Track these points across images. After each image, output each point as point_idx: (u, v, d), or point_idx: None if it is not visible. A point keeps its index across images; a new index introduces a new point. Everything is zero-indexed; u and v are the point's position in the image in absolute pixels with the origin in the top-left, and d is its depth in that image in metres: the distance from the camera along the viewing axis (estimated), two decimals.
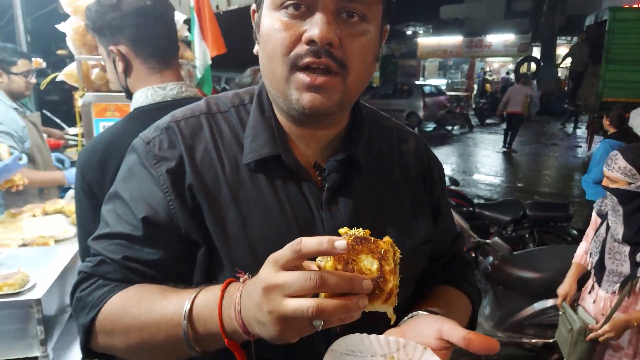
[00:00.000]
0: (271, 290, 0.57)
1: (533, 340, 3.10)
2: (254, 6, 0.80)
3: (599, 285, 2.26)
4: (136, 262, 0.78)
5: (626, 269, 2.12)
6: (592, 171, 4.52)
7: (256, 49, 0.80)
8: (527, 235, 4.40)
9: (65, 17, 1.78)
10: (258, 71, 0.75)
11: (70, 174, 2.94)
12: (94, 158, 1.19)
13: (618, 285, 2.15)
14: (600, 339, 2.13)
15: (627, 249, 2.13)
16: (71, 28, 1.71)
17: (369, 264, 0.58)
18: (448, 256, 1.01)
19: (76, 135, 3.46)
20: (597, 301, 2.28)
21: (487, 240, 3.37)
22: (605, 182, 2.21)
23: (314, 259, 0.60)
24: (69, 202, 2.53)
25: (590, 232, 2.50)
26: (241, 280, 0.67)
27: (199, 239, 0.78)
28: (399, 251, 0.60)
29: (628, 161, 2.09)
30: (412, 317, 0.79)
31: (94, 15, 1.28)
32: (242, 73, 3.33)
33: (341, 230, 0.59)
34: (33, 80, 2.90)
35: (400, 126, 0.99)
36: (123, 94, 1.70)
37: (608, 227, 2.24)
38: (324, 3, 0.70)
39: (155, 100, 1.31)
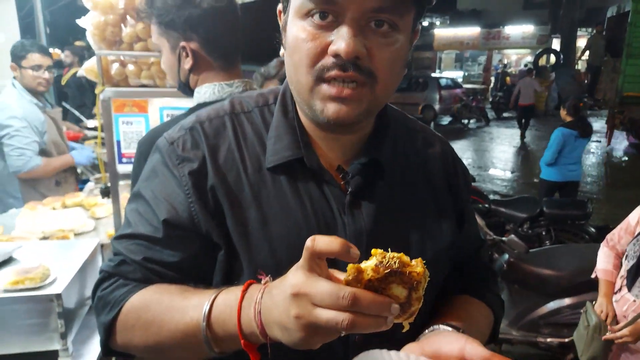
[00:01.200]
0: (301, 297, 0.56)
1: (548, 340, 3.07)
2: (280, 6, 0.79)
3: (629, 289, 2.20)
4: (156, 264, 0.79)
5: None
6: (545, 154, 5.05)
7: (282, 51, 0.79)
8: (543, 233, 4.34)
9: (83, 9, 1.79)
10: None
11: (78, 153, 2.99)
12: None
13: None
14: (617, 341, 2.10)
15: None
16: (91, 23, 1.72)
17: (399, 292, 0.57)
18: (471, 264, 0.99)
19: (94, 128, 3.49)
20: (620, 302, 2.24)
21: (503, 238, 3.33)
22: None
23: (343, 268, 0.59)
24: (87, 195, 2.57)
25: (618, 235, 2.40)
26: (262, 282, 0.66)
27: (219, 241, 0.78)
28: (429, 274, 0.59)
29: None
30: (432, 330, 0.78)
31: (166, 7, 1.25)
32: (258, 65, 3.32)
33: (374, 251, 0.58)
34: (46, 75, 2.86)
35: (426, 129, 0.97)
36: (141, 89, 1.71)
37: None
38: (351, 13, 0.68)
39: (222, 97, 1.30)
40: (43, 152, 2.88)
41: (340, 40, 0.67)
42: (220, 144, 0.81)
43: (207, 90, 1.31)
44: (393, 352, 0.67)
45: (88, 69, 1.76)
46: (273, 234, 0.77)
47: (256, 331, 0.63)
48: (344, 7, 0.67)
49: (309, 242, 0.56)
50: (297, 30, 0.72)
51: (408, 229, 0.84)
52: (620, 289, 2.28)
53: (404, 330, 0.62)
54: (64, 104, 4.74)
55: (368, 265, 0.57)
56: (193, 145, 0.80)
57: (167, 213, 0.78)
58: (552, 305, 3.11)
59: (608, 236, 2.48)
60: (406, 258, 0.58)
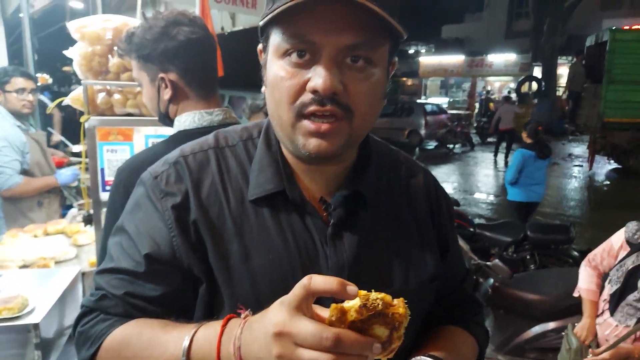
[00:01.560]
0: (284, 336, 0.57)
1: None
2: (260, 46, 0.81)
3: (611, 314, 2.23)
4: (138, 298, 0.79)
5: None
6: (507, 173, 5.33)
7: (264, 89, 0.81)
8: (528, 257, 4.38)
9: (71, 36, 1.81)
10: None
11: (62, 174, 2.97)
12: (135, 177, 1.22)
13: (632, 319, 2.12)
14: None
15: None
16: (78, 54, 1.74)
17: (381, 332, 0.58)
18: (456, 295, 0.99)
19: (79, 153, 3.48)
20: (603, 326, 2.26)
21: (488, 263, 3.36)
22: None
23: (326, 304, 0.60)
24: (70, 222, 2.55)
25: (600, 256, 2.42)
26: (242, 316, 0.67)
27: (200, 275, 0.78)
28: (409, 313, 0.60)
29: None
30: None
31: (143, 42, 1.29)
32: (247, 92, 3.36)
33: (358, 292, 0.59)
34: (30, 97, 2.93)
35: (409, 160, 0.98)
36: (126, 118, 1.73)
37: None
38: (327, 51, 0.70)
39: (202, 125, 1.32)
40: (26, 173, 2.89)
41: (318, 77, 0.69)
42: (203, 178, 0.82)
43: (188, 119, 1.33)
44: None
45: (74, 98, 1.78)
46: (255, 267, 0.77)
47: None
48: (320, 46, 0.69)
49: (305, 280, 0.57)
50: (276, 69, 0.73)
51: (391, 260, 0.84)
52: (602, 313, 2.30)
53: None
54: (49, 129, 4.74)
55: (351, 306, 0.57)
56: (176, 180, 0.81)
57: (149, 247, 0.78)
58: (537, 329, 3.11)
59: (590, 255, 2.49)
60: (389, 298, 0.59)
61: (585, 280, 2.44)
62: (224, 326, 0.67)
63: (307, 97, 0.71)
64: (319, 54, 0.70)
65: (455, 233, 1.00)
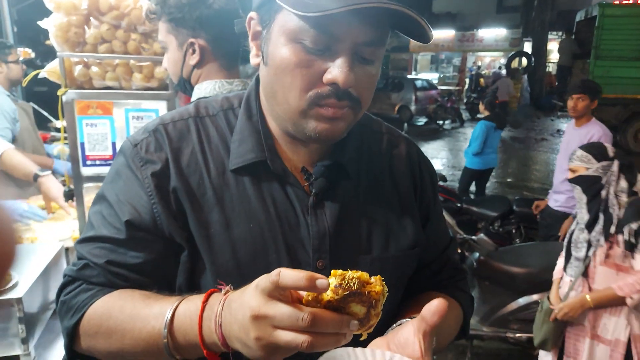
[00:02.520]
0: (260, 319, 0.58)
1: (517, 335, 3.14)
2: (253, 15, 0.79)
3: (565, 271, 2.41)
4: (119, 267, 0.79)
5: (582, 253, 2.28)
6: (471, 144, 5.76)
7: (256, 61, 0.80)
8: (514, 231, 4.45)
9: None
10: None
11: (60, 162, 2.96)
12: None
13: (579, 269, 2.29)
14: (559, 316, 2.29)
15: (585, 235, 2.27)
16: (54, 25, 1.69)
17: (358, 309, 0.59)
18: (438, 262, 1.00)
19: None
20: (563, 286, 2.42)
21: (473, 237, 3.41)
22: (569, 176, 2.39)
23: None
24: None
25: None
26: (223, 292, 0.67)
27: (182, 242, 0.79)
28: (387, 289, 0.61)
29: (584, 149, 2.35)
30: (399, 324, 0.79)
31: (178, 5, 1.30)
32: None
33: (333, 272, 0.59)
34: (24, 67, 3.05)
35: (391, 130, 0.98)
36: (105, 91, 1.69)
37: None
38: (348, 45, 0.70)
39: (221, 93, 1.33)
40: (15, 140, 2.90)
41: (338, 70, 0.70)
42: (183, 147, 0.81)
43: (208, 86, 1.34)
44: (359, 350, 0.68)
45: (50, 71, 1.73)
46: (235, 236, 0.78)
47: (217, 342, 0.64)
48: (342, 39, 0.69)
49: (274, 275, 0.57)
50: (287, 53, 0.71)
51: (371, 228, 0.85)
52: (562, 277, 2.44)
53: (362, 339, 0.64)
54: (32, 104, 4.63)
55: None
56: (156, 148, 0.81)
57: (130, 215, 0.78)
58: (521, 301, 3.19)
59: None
60: (365, 276, 0.59)
61: (557, 269, 2.60)
62: (204, 302, 0.67)
63: (324, 88, 0.72)
64: (340, 46, 0.70)
65: (438, 201, 1.01)
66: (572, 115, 3.62)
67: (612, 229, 2.15)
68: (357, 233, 0.84)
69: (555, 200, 3.70)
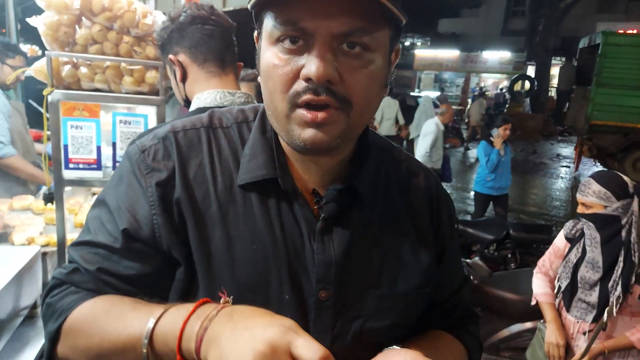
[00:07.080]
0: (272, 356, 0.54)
1: None
2: (255, 33, 0.76)
3: (567, 310, 2.26)
4: (111, 276, 0.75)
5: (594, 298, 2.11)
6: (489, 166, 5.38)
7: (259, 78, 0.76)
8: (509, 256, 4.38)
9: None
10: None
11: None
12: None
13: (588, 314, 2.15)
14: None
15: (596, 278, 2.11)
16: (43, 23, 1.65)
17: None
18: (451, 303, 0.94)
19: None
20: (565, 325, 2.28)
21: (467, 260, 3.34)
22: (580, 209, 2.20)
23: None
24: (37, 199, 2.45)
25: (548, 260, 2.44)
26: (222, 300, 0.64)
27: (180, 258, 0.74)
28: None
29: (602, 185, 2.08)
30: (383, 351, 0.74)
31: (159, 35, 1.40)
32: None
33: None
34: (21, 77, 2.93)
35: (411, 159, 0.92)
36: (92, 93, 1.65)
37: (581, 254, 2.21)
38: (321, 37, 0.65)
39: (223, 104, 1.33)
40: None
41: (311, 64, 0.65)
42: (192, 157, 0.77)
43: (209, 97, 1.34)
44: None
45: (37, 70, 1.68)
46: (237, 255, 0.73)
47: (192, 347, 0.59)
48: (313, 32, 0.65)
49: (291, 338, 0.55)
50: (269, 56, 0.69)
51: (382, 261, 0.80)
52: (560, 312, 2.32)
53: None
54: (30, 101, 4.59)
55: None
56: (164, 156, 0.77)
57: (128, 224, 0.74)
58: (514, 328, 3.12)
59: (539, 262, 2.53)
60: None
61: (538, 286, 2.45)
62: (198, 306, 0.63)
63: (300, 85, 0.67)
64: (313, 40, 0.65)
65: (455, 238, 0.95)
66: None
67: (633, 279, 2.00)
68: (367, 265, 0.79)
69: None
